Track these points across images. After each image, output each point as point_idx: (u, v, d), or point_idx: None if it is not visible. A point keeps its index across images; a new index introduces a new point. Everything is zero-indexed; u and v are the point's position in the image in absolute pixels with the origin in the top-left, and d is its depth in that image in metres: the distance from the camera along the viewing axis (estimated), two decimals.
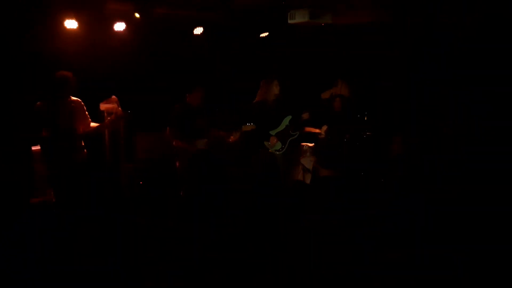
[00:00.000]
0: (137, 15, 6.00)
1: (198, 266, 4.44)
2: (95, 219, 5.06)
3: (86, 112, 4.79)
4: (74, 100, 4.71)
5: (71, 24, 5.78)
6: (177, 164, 5.71)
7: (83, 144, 4.76)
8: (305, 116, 5.72)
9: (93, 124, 4.88)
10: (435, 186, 6.05)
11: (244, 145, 5.74)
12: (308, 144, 6.82)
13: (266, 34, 7.16)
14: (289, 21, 6.44)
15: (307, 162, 6.74)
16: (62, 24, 5.76)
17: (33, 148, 5.25)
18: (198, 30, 6.78)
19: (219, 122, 5.95)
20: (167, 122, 5.70)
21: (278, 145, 5.45)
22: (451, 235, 5.15)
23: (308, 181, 6.72)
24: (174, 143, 5.66)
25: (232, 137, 5.56)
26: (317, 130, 6.69)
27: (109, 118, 4.86)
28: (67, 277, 4.14)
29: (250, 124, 5.42)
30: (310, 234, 5.45)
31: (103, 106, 5.00)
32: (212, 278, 4.23)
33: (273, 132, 5.48)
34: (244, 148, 5.77)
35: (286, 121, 5.57)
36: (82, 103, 4.75)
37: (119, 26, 6.15)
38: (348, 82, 7.12)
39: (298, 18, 6.35)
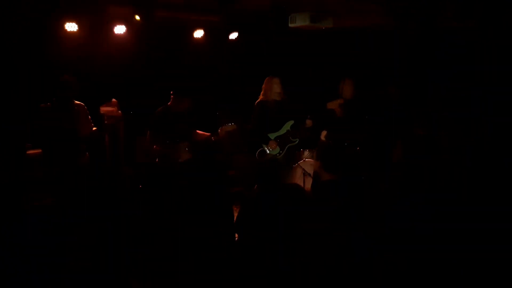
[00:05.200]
0: (137, 17, 5.98)
1: (198, 267, 4.43)
2: (96, 221, 5.03)
3: (89, 117, 4.78)
4: (77, 104, 4.73)
5: (71, 27, 5.78)
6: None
7: (85, 147, 4.75)
8: (308, 123, 5.65)
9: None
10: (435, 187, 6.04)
11: (229, 146, 5.67)
12: (308, 148, 6.78)
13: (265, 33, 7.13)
14: (290, 25, 6.43)
15: (307, 166, 6.71)
16: (62, 27, 5.74)
17: (34, 151, 5.23)
18: (199, 33, 6.76)
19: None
20: (148, 126, 5.53)
21: (277, 150, 5.41)
22: (450, 235, 5.13)
23: (308, 185, 6.68)
24: (154, 147, 5.47)
25: (215, 136, 5.43)
26: None
27: (107, 122, 4.83)
28: (67, 278, 4.11)
29: (231, 124, 5.29)
30: (309, 237, 5.41)
31: (103, 109, 4.97)
32: (212, 278, 4.21)
33: (272, 136, 5.44)
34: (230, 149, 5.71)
35: (288, 126, 5.52)
36: (86, 107, 4.75)
37: (120, 29, 6.14)
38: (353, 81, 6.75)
39: (299, 22, 6.35)
